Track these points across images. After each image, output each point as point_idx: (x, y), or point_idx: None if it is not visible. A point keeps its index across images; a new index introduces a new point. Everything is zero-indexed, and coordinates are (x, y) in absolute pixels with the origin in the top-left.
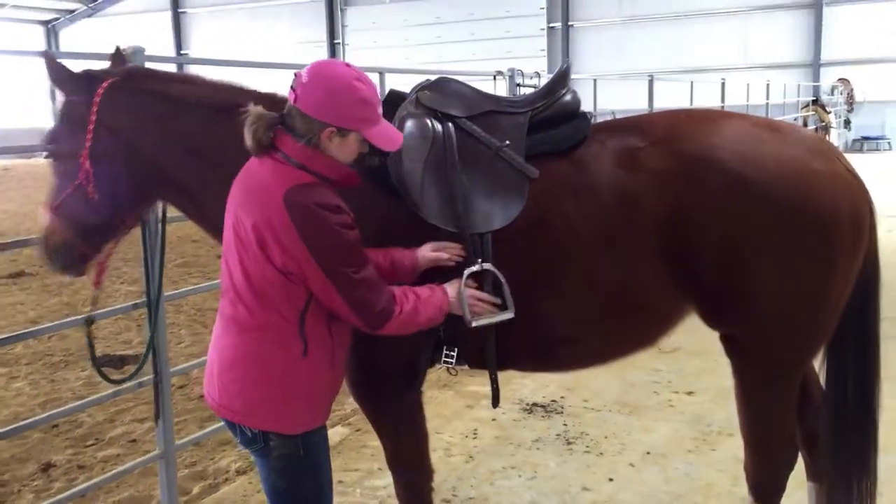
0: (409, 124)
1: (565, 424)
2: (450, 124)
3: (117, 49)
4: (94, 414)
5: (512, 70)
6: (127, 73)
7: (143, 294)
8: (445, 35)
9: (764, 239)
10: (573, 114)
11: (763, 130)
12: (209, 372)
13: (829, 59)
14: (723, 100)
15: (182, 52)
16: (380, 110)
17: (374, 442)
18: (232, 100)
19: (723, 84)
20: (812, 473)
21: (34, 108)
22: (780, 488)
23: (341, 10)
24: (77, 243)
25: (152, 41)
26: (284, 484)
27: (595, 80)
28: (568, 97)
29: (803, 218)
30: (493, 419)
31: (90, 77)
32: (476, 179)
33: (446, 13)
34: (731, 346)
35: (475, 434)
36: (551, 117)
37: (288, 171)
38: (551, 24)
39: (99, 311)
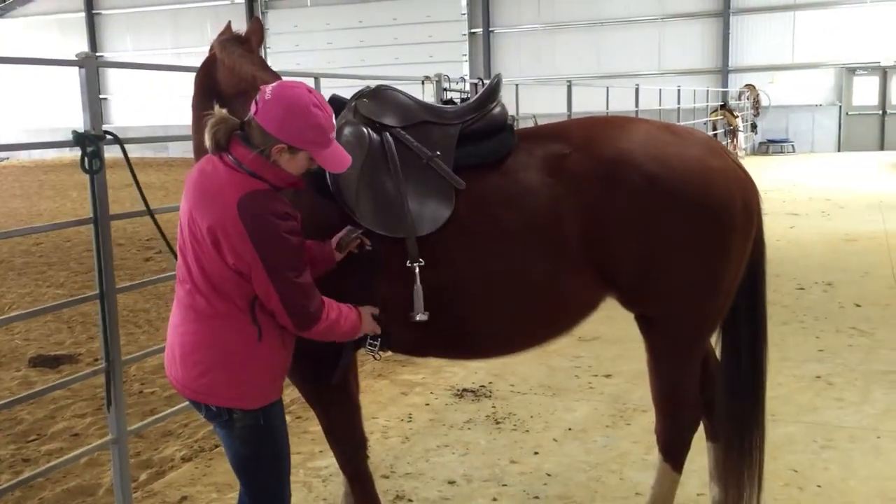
0: (347, 132)
1: (494, 406)
2: (386, 133)
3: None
4: (34, 411)
5: (439, 75)
6: None
7: (70, 295)
8: (368, 39)
9: (675, 230)
10: (500, 127)
11: (665, 134)
12: (170, 356)
13: (736, 65)
14: (637, 104)
15: (98, 54)
16: (332, 135)
17: (315, 427)
18: None
19: (636, 90)
20: (710, 435)
21: None
22: (685, 446)
23: (262, 13)
24: None
25: (65, 44)
26: (247, 450)
27: (517, 86)
28: (496, 110)
29: (705, 209)
30: (427, 404)
31: None
32: (407, 187)
33: (369, 17)
34: (646, 323)
35: (410, 418)
36: (480, 130)
37: (241, 179)
38: (473, 30)
39: (41, 308)
